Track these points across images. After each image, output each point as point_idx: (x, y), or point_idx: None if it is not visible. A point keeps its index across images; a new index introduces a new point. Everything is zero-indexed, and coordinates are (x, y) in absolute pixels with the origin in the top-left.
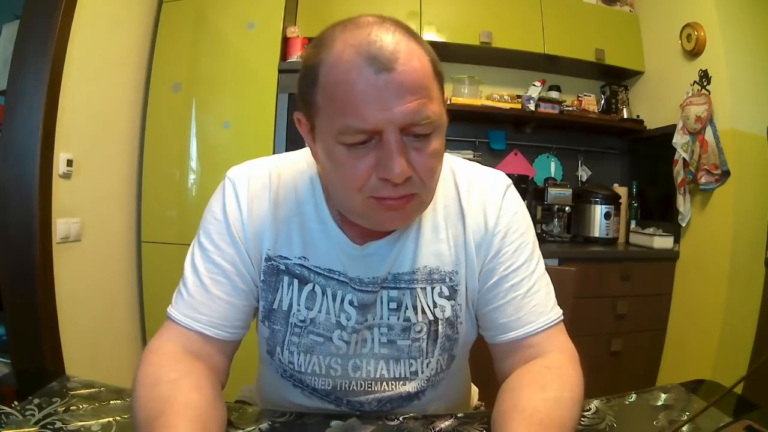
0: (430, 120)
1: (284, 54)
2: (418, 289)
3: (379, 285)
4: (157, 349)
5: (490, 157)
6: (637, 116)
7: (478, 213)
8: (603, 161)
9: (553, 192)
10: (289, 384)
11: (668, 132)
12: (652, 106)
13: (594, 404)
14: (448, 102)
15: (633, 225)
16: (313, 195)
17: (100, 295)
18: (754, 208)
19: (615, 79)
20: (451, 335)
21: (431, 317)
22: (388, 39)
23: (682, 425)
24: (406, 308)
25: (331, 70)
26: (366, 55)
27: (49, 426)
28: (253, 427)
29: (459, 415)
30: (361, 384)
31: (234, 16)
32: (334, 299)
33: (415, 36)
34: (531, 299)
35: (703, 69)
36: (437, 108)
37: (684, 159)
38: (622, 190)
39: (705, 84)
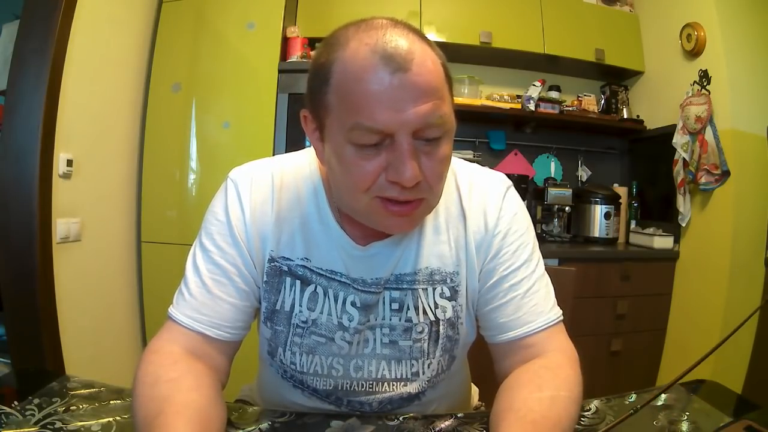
0: (442, 120)
1: (284, 54)
2: (420, 290)
3: (382, 286)
4: (158, 349)
5: (490, 157)
6: (637, 116)
7: (478, 214)
8: (603, 161)
9: (553, 192)
10: (289, 385)
11: (668, 132)
12: (652, 106)
13: (594, 404)
14: None
15: (633, 225)
16: (316, 196)
17: (100, 295)
18: (754, 208)
19: (615, 79)
20: (452, 336)
21: (432, 318)
22: (402, 40)
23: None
24: (408, 309)
25: (345, 68)
26: (382, 53)
27: (49, 426)
28: (253, 427)
29: (459, 415)
30: (362, 384)
31: (234, 16)
32: (335, 300)
33: (427, 39)
34: (530, 299)
35: (703, 69)
36: (448, 111)
37: (684, 159)
38: (622, 190)
39: (705, 84)
